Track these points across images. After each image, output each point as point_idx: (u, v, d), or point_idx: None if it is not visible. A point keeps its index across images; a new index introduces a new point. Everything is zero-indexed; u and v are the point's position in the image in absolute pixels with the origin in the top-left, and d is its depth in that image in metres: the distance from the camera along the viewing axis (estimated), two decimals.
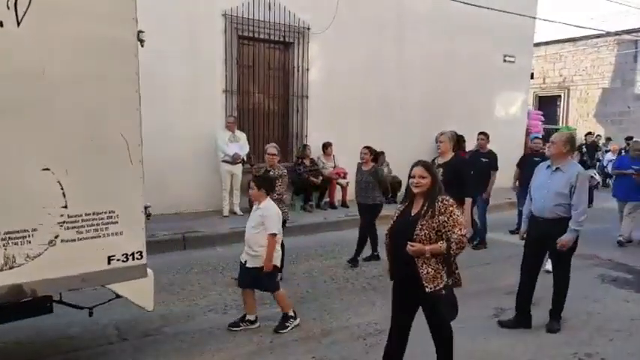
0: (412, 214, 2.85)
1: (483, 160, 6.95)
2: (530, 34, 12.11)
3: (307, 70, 8.86)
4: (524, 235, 4.23)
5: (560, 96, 19.84)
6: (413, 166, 2.92)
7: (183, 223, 7.04)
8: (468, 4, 9.80)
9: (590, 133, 14.46)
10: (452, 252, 2.72)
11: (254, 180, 4.07)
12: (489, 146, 7.24)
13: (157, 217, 7.38)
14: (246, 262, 3.95)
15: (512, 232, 7.36)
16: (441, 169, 4.83)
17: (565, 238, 3.84)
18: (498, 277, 5.40)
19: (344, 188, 8.98)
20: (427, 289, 2.72)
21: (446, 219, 2.73)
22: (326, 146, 8.88)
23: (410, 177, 2.89)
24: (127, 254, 3.05)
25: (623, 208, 7.44)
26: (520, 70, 11.95)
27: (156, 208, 7.55)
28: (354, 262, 5.81)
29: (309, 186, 8.54)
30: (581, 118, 19.00)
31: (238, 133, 7.87)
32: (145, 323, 4.05)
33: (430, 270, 2.73)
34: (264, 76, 8.71)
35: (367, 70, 9.41)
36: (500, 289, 4.95)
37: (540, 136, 14.17)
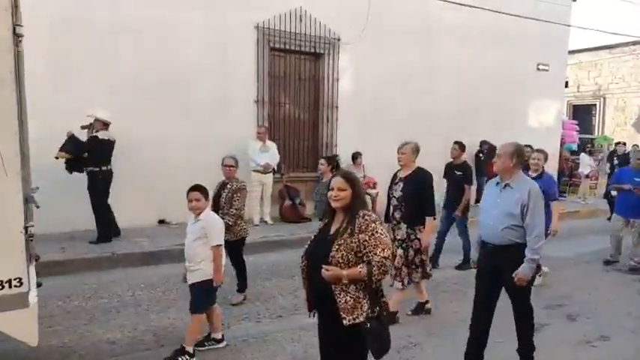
0: (330, 232, 2.48)
1: (457, 172, 6.28)
2: (564, 42, 11.86)
3: (337, 80, 8.93)
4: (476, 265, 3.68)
5: (595, 105, 19.32)
6: (332, 177, 2.60)
7: None
8: (500, 12, 9.69)
9: (619, 143, 13.62)
10: (373, 277, 2.29)
11: (199, 190, 3.66)
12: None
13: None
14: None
15: None
16: (401, 184, 4.42)
17: (521, 272, 3.25)
18: (534, 292, 5.24)
19: (374, 198, 8.95)
20: (345, 322, 2.30)
21: (367, 237, 2.33)
22: (355, 156, 8.88)
23: (328, 189, 2.53)
24: (1, 282, 2.63)
25: (622, 226, 6.52)
26: (554, 79, 11.69)
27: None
28: None
29: None
30: (618, 128, 18.43)
31: (269, 143, 7.98)
32: (182, 330, 4.10)
33: (349, 299, 2.31)
34: (295, 86, 8.82)
35: (396, 79, 9.40)
36: (536, 304, 4.80)
37: (575, 147, 13.85)
